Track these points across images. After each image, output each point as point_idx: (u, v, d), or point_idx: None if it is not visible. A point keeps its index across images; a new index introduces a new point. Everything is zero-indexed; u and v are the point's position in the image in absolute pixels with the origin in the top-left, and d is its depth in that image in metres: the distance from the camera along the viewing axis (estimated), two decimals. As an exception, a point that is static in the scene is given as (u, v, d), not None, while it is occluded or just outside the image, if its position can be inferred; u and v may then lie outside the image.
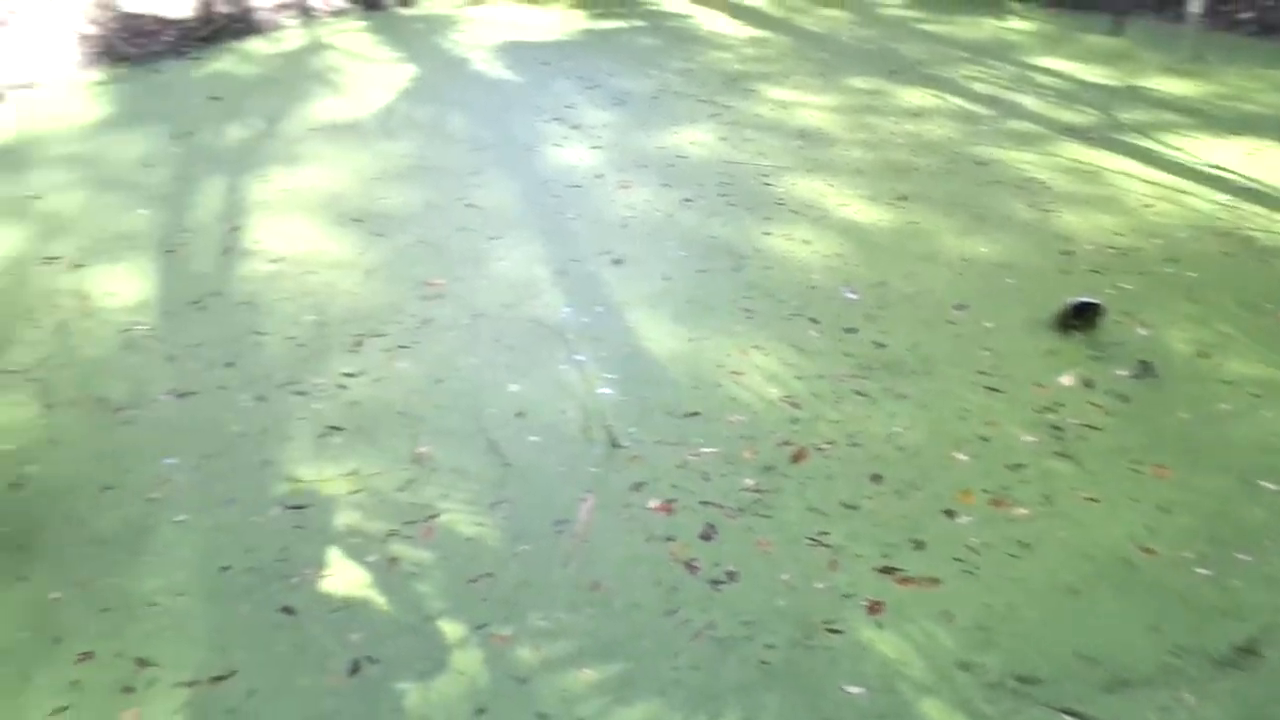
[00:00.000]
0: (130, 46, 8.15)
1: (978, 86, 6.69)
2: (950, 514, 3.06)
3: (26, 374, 3.94)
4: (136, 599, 2.88)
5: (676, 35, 8.40)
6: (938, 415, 3.51)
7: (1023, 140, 5.73)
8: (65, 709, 2.55)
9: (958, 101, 6.42)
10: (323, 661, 2.65)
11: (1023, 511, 3.05)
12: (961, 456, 3.30)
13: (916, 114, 6.26)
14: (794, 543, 2.98)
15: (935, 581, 2.82)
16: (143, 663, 2.67)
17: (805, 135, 6.02)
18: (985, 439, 3.38)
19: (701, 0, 9.61)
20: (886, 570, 2.86)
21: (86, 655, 2.70)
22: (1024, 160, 5.44)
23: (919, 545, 2.95)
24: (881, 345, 3.92)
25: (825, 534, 3.01)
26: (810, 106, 6.51)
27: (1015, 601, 2.74)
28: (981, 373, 3.73)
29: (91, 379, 3.90)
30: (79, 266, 4.75)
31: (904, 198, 5.11)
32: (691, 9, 9.26)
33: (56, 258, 4.84)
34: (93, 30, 8.17)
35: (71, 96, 7.27)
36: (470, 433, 3.51)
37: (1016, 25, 8.11)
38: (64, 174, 5.84)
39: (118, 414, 3.70)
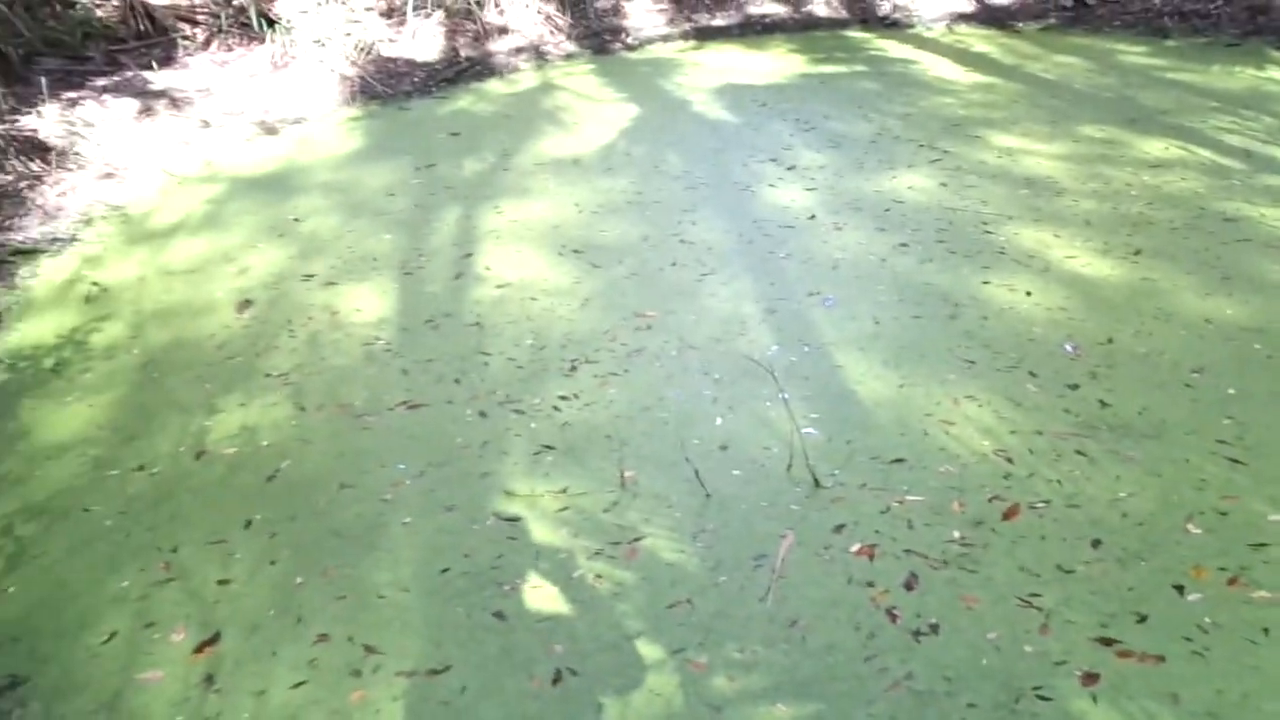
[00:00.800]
0: (383, 86, 8.92)
1: (1229, 139, 6.23)
2: (1179, 589, 2.86)
3: (284, 378, 4.37)
4: (368, 590, 3.13)
5: (898, 80, 8.31)
6: (1169, 482, 3.28)
7: None
8: (303, 683, 2.81)
9: (1205, 154, 6.01)
10: (529, 667, 2.79)
11: (1264, 594, 2.81)
12: (1195, 529, 3.07)
13: (1157, 165, 5.90)
14: (1002, 601, 2.87)
15: (1160, 659, 2.63)
16: (370, 649, 2.90)
17: (1032, 184, 5.80)
18: (1223, 513, 3.13)
19: (926, 45, 9.47)
20: (1104, 641, 2.70)
21: (323, 637, 2.96)
22: (1280, 218, 5.03)
23: (1142, 618, 2.76)
24: (1106, 405, 3.71)
25: (1036, 595, 2.87)
26: (1038, 154, 6.27)
27: (1251, 690, 2.52)
28: (1222, 442, 3.46)
29: (337, 386, 4.29)
30: (330, 284, 5.24)
31: (1139, 252, 4.83)
32: (916, 54, 9.14)
33: (312, 275, 5.35)
34: (352, 72, 9.01)
35: (331, 131, 8.04)
36: (674, 461, 3.60)
37: (1278, 76, 7.50)
38: (321, 199, 6.47)
39: (358, 419, 4.04)
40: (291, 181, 6.86)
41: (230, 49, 9.42)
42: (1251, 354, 3.94)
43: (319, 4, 9.62)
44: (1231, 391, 3.72)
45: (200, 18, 9.66)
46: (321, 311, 4.95)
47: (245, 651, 2.93)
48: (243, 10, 9.55)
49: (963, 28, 10.00)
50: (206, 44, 9.44)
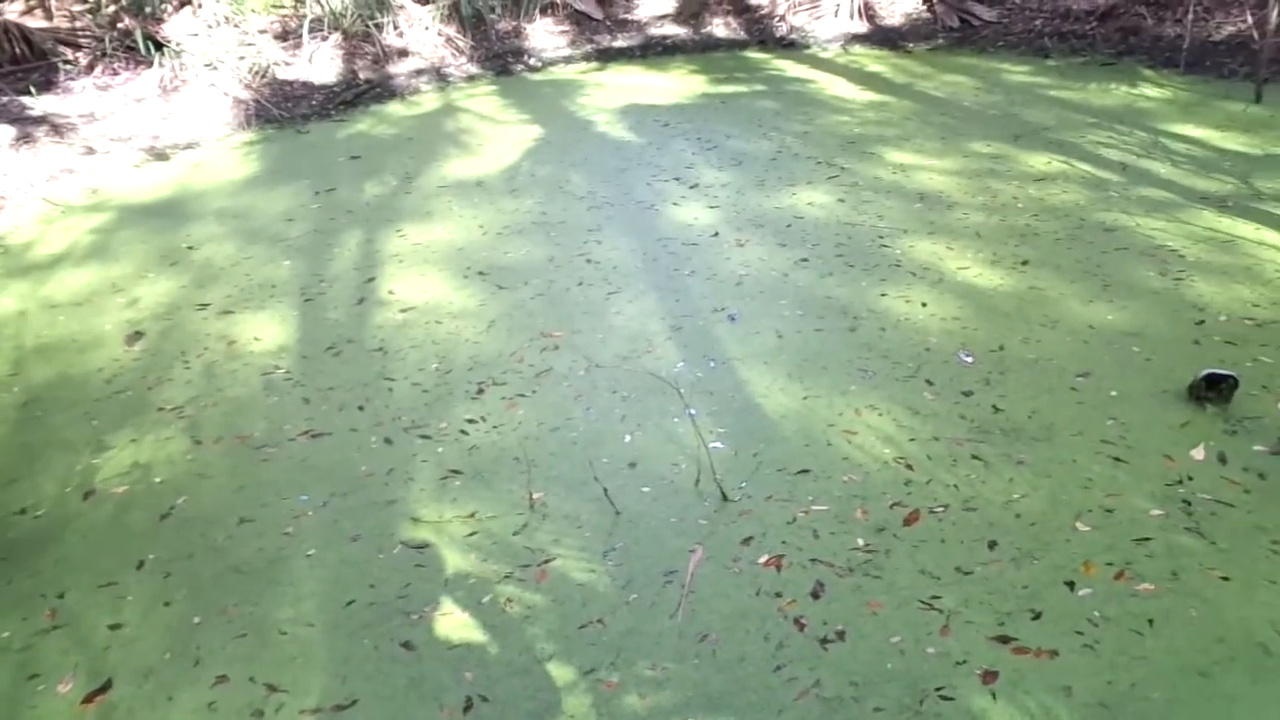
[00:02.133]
0: (280, 110, 8.74)
1: (1107, 153, 6.54)
2: (1070, 585, 2.97)
3: (178, 411, 4.23)
4: (269, 626, 3.04)
5: (796, 99, 8.50)
6: (1058, 483, 3.41)
7: (1154, 207, 5.56)
8: (201, 725, 2.71)
9: (1085, 167, 6.29)
10: (438, 696, 2.74)
11: (1148, 586, 2.94)
12: (1083, 527, 3.20)
13: (1041, 179, 6.16)
14: (905, 605, 2.94)
15: (1053, 654, 2.73)
16: (272, 688, 2.82)
17: (925, 198, 5.99)
18: (1109, 510, 3.27)
19: (822, 65, 9.72)
20: (1002, 639, 2.79)
21: (222, 678, 2.86)
22: (1155, 228, 5.29)
23: (1036, 615, 2.86)
24: (999, 410, 3.85)
25: (937, 598, 2.95)
26: (930, 170, 6.48)
27: (1139, 680, 2.63)
28: (1106, 442, 3.61)
29: (235, 417, 4.17)
30: (227, 312, 5.09)
31: (1026, 262, 5.03)
32: (812, 74, 9.37)
33: (207, 304, 5.20)
34: (246, 95, 8.80)
35: (226, 156, 7.84)
36: (583, 481, 3.59)
37: (1150, 92, 7.91)
38: (216, 226, 6.29)
39: (258, 451, 3.93)
40: (184, 208, 6.66)
41: (116, 73, 9.12)
42: (1131, 357, 4.13)
43: (210, 27, 9.39)
44: (1114, 393, 3.90)
45: (83, 41, 9.33)
46: (218, 341, 4.80)
47: (139, 698, 2.81)
48: (128, 34, 9.26)
49: (857, 48, 10.30)
50: (90, 68, 9.11)
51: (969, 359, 4.20)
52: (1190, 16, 8.81)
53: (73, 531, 3.52)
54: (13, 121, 8.01)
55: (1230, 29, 8.76)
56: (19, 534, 3.53)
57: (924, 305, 4.68)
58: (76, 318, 5.13)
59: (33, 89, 8.65)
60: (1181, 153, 6.44)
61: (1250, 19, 8.43)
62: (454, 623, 3.00)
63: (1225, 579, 2.95)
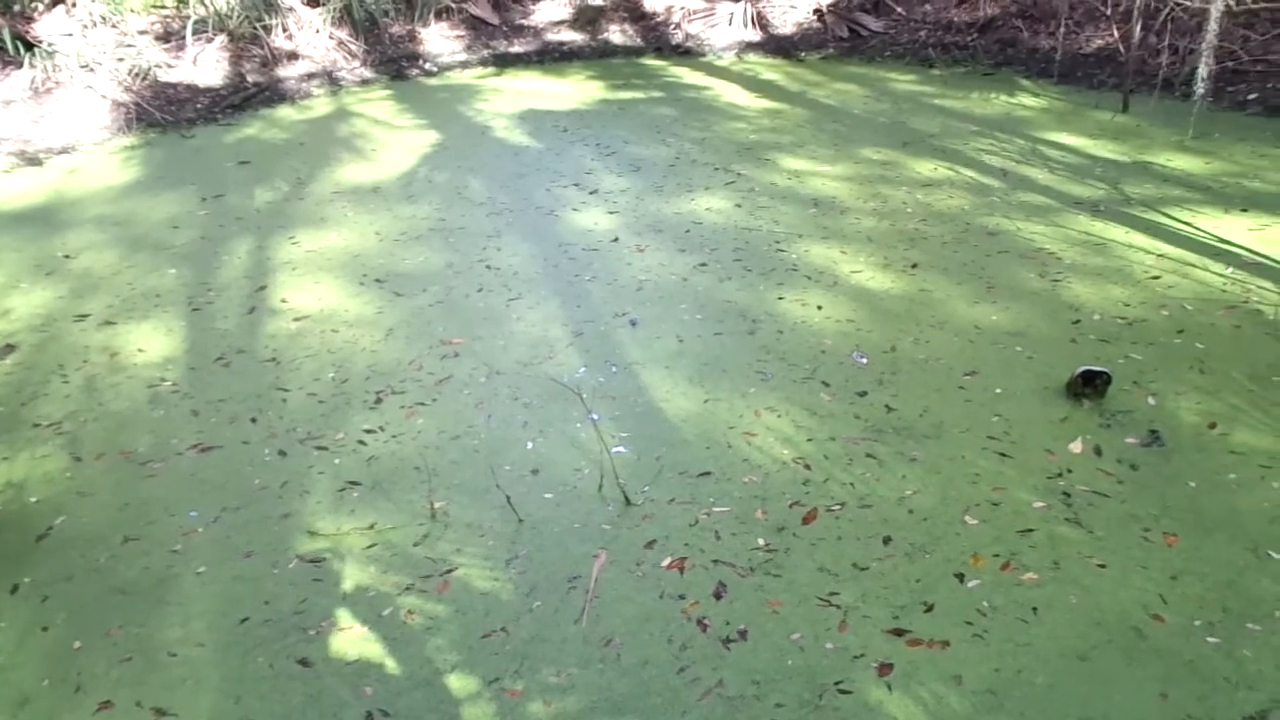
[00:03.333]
0: (162, 114, 8.42)
1: (989, 159, 6.82)
2: (960, 577, 3.08)
3: (56, 427, 4.04)
4: (156, 649, 2.92)
5: (693, 106, 8.61)
6: (948, 479, 3.54)
7: (1033, 212, 5.82)
8: (82, 756, 2.59)
9: (969, 174, 6.55)
10: (337, 713, 2.68)
11: (1032, 576, 3.07)
12: (971, 521, 3.33)
13: (928, 185, 6.38)
14: (804, 603, 3.00)
15: (945, 644, 2.83)
16: (160, 713, 2.71)
17: (819, 203, 6.14)
18: (995, 504, 3.41)
19: (717, 73, 9.87)
20: (897, 632, 2.88)
21: (106, 704, 2.74)
22: (1034, 231, 5.54)
23: (929, 608, 2.96)
24: (892, 409, 3.97)
25: (835, 594, 3.03)
26: (823, 176, 6.65)
27: (1024, 666, 2.74)
28: (992, 438, 3.76)
29: (118, 433, 4.00)
30: (108, 324, 4.88)
31: (915, 266, 5.20)
32: (708, 81, 9.50)
33: (86, 315, 4.97)
34: (126, 98, 8.45)
35: (104, 161, 7.51)
36: (486, 489, 3.56)
37: (1027, 101, 8.28)
38: (95, 234, 6.02)
39: (143, 467, 3.78)
40: (60, 216, 6.35)
41: (-17, 73, 8.64)
42: (1014, 356, 4.31)
43: (85, 26, 8.98)
44: (999, 391, 4.06)
45: (-55, 38, 8.81)
46: (99, 353, 4.60)
47: (16, 730, 2.67)
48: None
49: (751, 56, 10.49)
50: (-46, 67, 8.62)
51: (863, 360, 4.32)
52: (1062, 30, 9.25)
53: (-61, 557, 3.33)
54: None
55: (1099, 42, 9.23)
56: (-121, 562, 3.31)
57: (819, 308, 4.79)
58: (-59, 331, 4.85)
59: (-111, 88, 8.14)
60: (1057, 159, 6.76)
61: (1116, 33, 8.91)
62: (353, 637, 2.94)
63: (1102, 566, 3.10)
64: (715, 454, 3.74)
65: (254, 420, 4.05)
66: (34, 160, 7.46)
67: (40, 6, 9.26)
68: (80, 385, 4.34)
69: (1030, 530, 3.27)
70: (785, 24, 11.05)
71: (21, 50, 8.57)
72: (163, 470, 3.76)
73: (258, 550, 3.32)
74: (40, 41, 8.68)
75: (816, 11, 10.94)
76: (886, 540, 3.26)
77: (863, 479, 3.56)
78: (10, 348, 4.65)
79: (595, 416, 3.94)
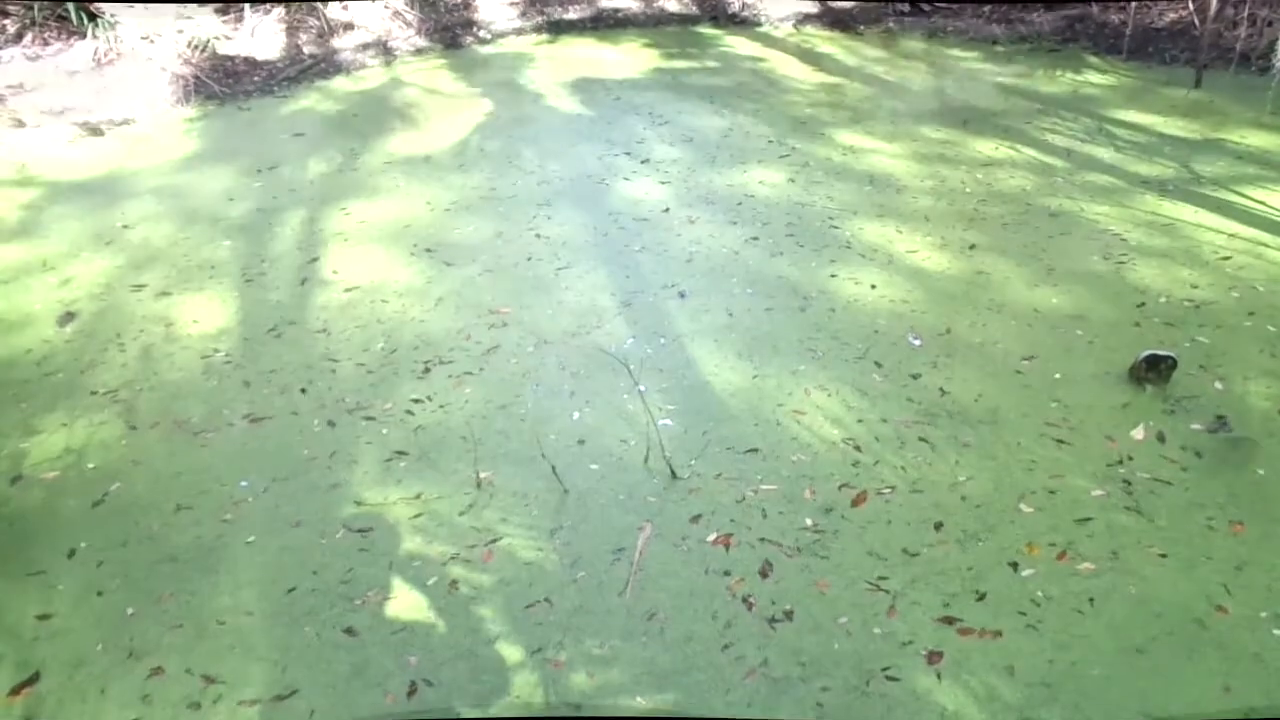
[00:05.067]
0: (220, 86, 8.50)
1: (1053, 139, 6.61)
2: (1014, 566, 3.00)
3: (113, 395, 4.10)
4: (206, 616, 2.96)
5: (749, 76, 8.47)
6: (1003, 465, 3.45)
7: (1098, 192, 5.64)
8: None
9: (1031, 153, 6.36)
10: (382, 682, 2.69)
11: (1089, 566, 2.98)
12: (1027, 508, 3.24)
13: (989, 164, 6.21)
14: (852, 586, 2.95)
15: (997, 634, 2.76)
16: (209, 680, 2.74)
17: (874, 180, 6.01)
18: (1052, 491, 3.31)
19: (774, 44, 9.70)
20: (947, 620, 2.81)
21: (157, 670, 2.78)
22: (1098, 212, 5.36)
23: (981, 596, 2.89)
24: (946, 393, 3.88)
25: (884, 579, 2.97)
26: (880, 153, 6.50)
27: (1080, 658, 2.66)
28: (1050, 424, 3.66)
29: (172, 402, 4.05)
30: (164, 294, 4.94)
31: (973, 246, 5.07)
32: (765, 52, 9.35)
33: (143, 285, 5.04)
34: (185, 70, 8.54)
35: (163, 132, 7.60)
36: (532, 458, 3.55)
37: (1095, 78, 8.01)
38: (154, 205, 6.10)
39: (196, 436, 3.82)
40: (120, 186, 6.44)
41: (46, 43, 8.79)
42: (1075, 340, 4.18)
43: (147, -5, 9.09)
44: (1057, 376, 3.95)
45: (10, 8, 8.96)
46: (155, 323, 4.66)
47: (69, 690, 2.72)
48: (59, 2, 8.91)
49: (808, 28, 10.29)
50: (19, 37, 8.77)
51: (917, 342, 4.23)
52: (1134, 4, 8.94)
53: (-1, 518, 3.41)
54: (-64, 90, 7.70)
55: (1172, 16, 8.90)
56: (-59, 519, 3.40)
57: (873, 287, 4.69)
58: (4, 297, 4.94)
59: (-42, 56, 8.32)
60: (1124, 138, 6.54)
61: (1191, 6, 8.58)
62: (398, 606, 2.95)
63: (1163, 556, 3.00)
64: (763, 431, 3.68)
65: (304, 391, 4.08)
66: (96, 130, 7.57)
67: (104, -24, 9.39)
68: (137, 354, 4.40)
69: (1088, 519, 3.18)
70: (844, -4, 10.82)
71: (85, 20, 8.70)
72: (215, 440, 3.80)
73: (306, 520, 3.34)
74: (102, 13, 8.80)
75: (876, -16, 10.70)
76: (938, 526, 3.18)
77: (914, 463, 3.48)
78: (71, 315, 4.73)
79: (643, 388, 3.90)
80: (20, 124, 7.45)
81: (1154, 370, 3.79)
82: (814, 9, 10.57)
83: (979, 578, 2.96)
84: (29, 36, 8.79)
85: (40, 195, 6.30)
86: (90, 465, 3.67)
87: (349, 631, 2.86)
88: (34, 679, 2.75)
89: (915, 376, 3.99)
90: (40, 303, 4.86)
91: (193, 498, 3.48)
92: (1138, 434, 3.57)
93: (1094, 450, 3.50)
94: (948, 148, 6.57)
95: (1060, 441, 3.56)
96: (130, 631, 2.91)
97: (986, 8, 10.06)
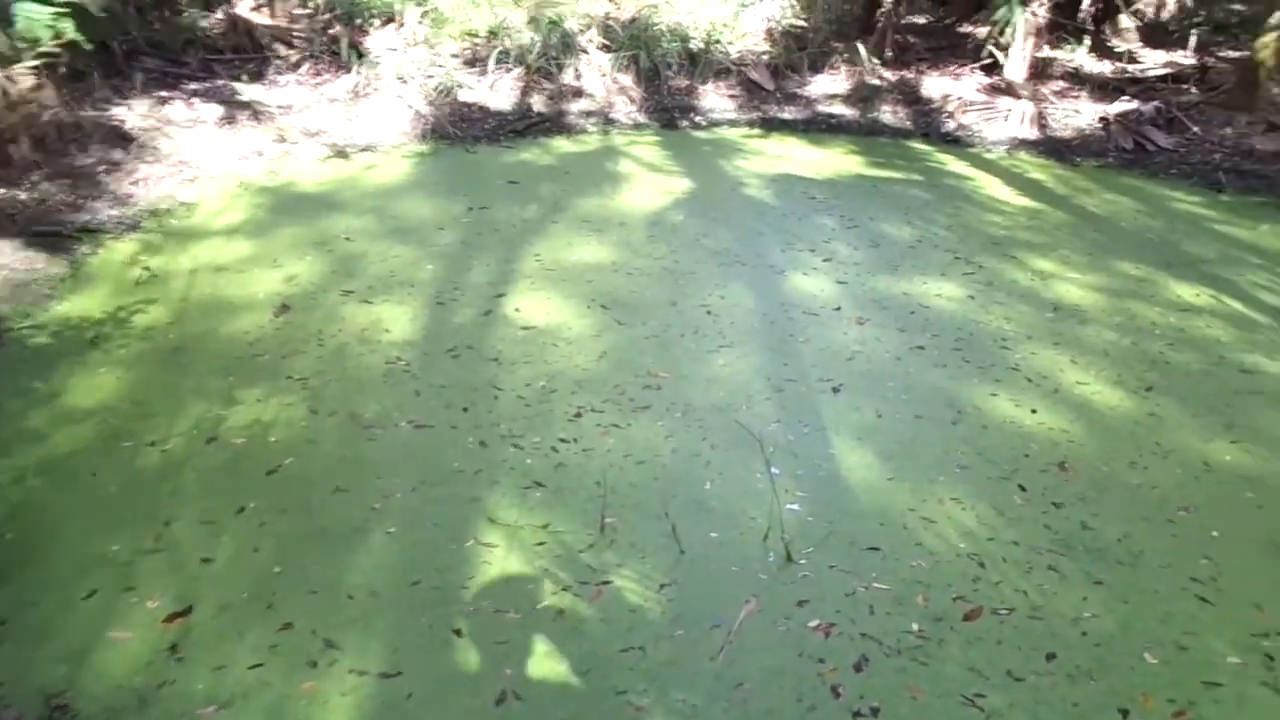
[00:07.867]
0: (455, 129, 9.29)
1: (1264, 295, 6.27)
2: (1124, 713, 2.88)
3: (304, 382, 4.57)
4: (339, 588, 3.26)
5: (949, 193, 8.48)
6: (1134, 609, 3.31)
7: (1303, 357, 5.32)
8: (260, 666, 2.94)
9: (1235, 305, 6.06)
10: (476, 684, 2.88)
11: (1207, 732, 2.82)
12: (1151, 659, 3.09)
13: (1186, 309, 5.96)
14: (946, 696, 2.91)
15: (1089, 777, 2.65)
16: (330, 644, 3.02)
17: (1059, 309, 5.89)
18: (1183, 648, 3.15)
19: (984, 166, 9.66)
20: (1038, 750, 2.73)
21: (288, 626, 3.09)
22: (1299, 377, 5.06)
23: (1080, 735, 2.79)
24: (1089, 527, 3.75)
25: (981, 696, 2.91)
26: (1071, 282, 6.36)
27: (1175, 822, 2.53)
28: (1195, 580, 3.48)
29: (352, 396, 4.47)
30: (366, 301, 5.46)
31: (1150, 388, 4.88)
32: (972, 171, 9.33)
33: (351, 291, 5.59)
34: (428, 110, 9.41)
35: (397, 162, 8.39)
36: (656, 515, 3.70)
37: (1324, 240, 7.55)
38: (374, 223, 6.75)
39: (365, 430, 4.21)
40: (350, 203, 7.17)
41: (318, 74, 9.90)
42: (1241, 501, 3.96)
43: (408, 44, 10.10)
44: (1215, 534, 3.75)
45: (296, 41, 10.17)
46: (353, 326, 5.16)
47: (213, 628, 3.06)
48: (335, 40, 10.05)
49: (1022, 154, 10.19)
50: (297, 66, 9.93)
51: (1068, 471, 4.11)
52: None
53: (190, 469, 3.86)
54: (223, 103, 8.81)
55: None
56: (145, 463, 3.89)
57: (1033, 411, 4.60)
58: (236, 283, 5.60)
59: (245, 77, 9.51)
60: (1345, 307, 6.12)
61: None
62: (505, 621, 3.14)
63: (1293, 742, 2.80)
64: (888, 531, 3.68)
65: (465, 410, 4.40)
66: (342, 153, 8.45)
67: (376, 22, 10.50)
68: (332, 350, 4.88)
69: (1218, 684, 3.00)
70: (1066, 128, 10.66)
71: (353, 58, 9.76)
72: (381, 437, 4.17)
73: (442, 524, 3.61)
74: (368, 52, 9.85)
75: (1103, 119, 10.49)
76: (1050, 656, 3.09)
77: (1038, 589, 3.40)
78: (286, 307, 5.30)
79: (776, 471, 3.98)
80: (282, 139, 8.42)
81: (1324, 548, 3.55)
82: (1032, 136, 10.46)
83: (1083, 716, 2.86)
84: (305, 66, 9.93)
85: (283, 201, 7.10)
86: (272, 439, 4.11)
87: (457, 632, 3.08)
88: (187, 611, 3.11)
89: (1058, 505, 3.89)
90: (263, 293, 5.49)
91: (351, 483, 3.83)
92: (1292, 611, 3.34)
93: (1239, 616, 3.30)
94: (1144, 286, 6.35)
95: (1203, 600, 3.38)
96: (274, 587, 3.24)
97: (1217, 155, 9.67)
